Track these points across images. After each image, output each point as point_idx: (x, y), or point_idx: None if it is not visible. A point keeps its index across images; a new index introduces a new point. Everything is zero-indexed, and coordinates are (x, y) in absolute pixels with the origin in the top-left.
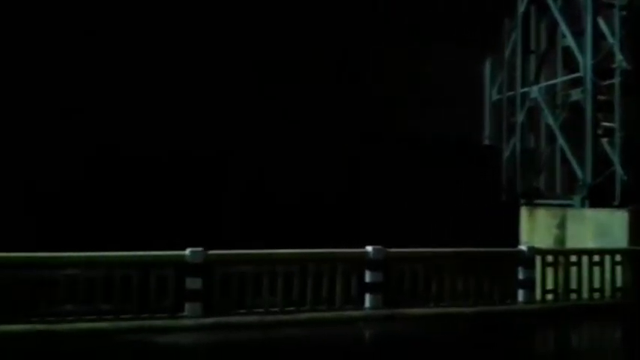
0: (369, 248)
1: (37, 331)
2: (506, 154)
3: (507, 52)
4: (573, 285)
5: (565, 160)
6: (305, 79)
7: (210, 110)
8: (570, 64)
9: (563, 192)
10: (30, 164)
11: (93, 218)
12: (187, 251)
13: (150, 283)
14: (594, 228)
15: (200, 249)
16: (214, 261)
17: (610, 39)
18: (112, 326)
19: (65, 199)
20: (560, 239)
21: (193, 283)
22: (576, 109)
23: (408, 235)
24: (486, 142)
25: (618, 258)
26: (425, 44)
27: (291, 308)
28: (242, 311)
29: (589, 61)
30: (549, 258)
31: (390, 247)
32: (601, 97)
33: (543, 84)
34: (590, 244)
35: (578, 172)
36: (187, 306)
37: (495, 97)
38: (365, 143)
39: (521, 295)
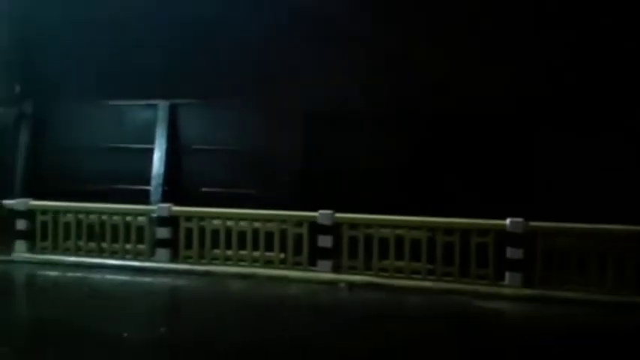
0: None
1: (373, 283)
2: None
3: None
4: None
5: None
6: None
7: None
8: None
9: None
10: None
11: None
12: (507, 221)
13: (471, 249)
14: None
15: (520, 219)
16: (535, 232)
17: None
18: (435, 286)
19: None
20: None
21: (514, 253)
22: None
23: None
24: None
25: None
26: None
27: (625, 291)
28: (566, 287)
29: None
30: None
31: None
32: None
33: None
34: None
35: None
36: (508, 275)
37: None
38: None
39: None
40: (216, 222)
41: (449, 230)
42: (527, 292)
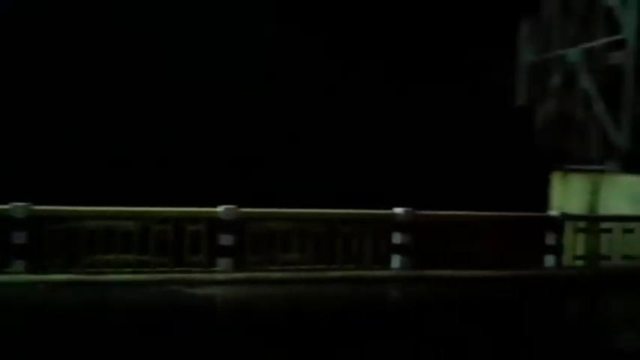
0: (399, 210)
1: (79, 281)
2: (539, 117)
3: (545, 12)
4: (604, 252)
5: (600, 126)
6: None
7: None
8: (611, 26)
9: (598, 158)
10: None
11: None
12: (220, 208)
13: (184, 238)
14: (629, 194)
15: (233, 206)
16: (245, 218)
17: None
18: (149, 278)
19: None
20: (593, 205)
21: (225, 239)
22: (615, 72)
23: (436, 197)
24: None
25: None
26: None
27: (321, 266)
28: (272, 268)
29: (634, 21)
30: (581, 224)
31: (419, 210)
32: None
33: (581, 46)
34: (625, 211)
35: (615, 137)
36: (220, 261)
37: (531, 58)
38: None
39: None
40: None
41: (163, 219)
42: (238, 275)
